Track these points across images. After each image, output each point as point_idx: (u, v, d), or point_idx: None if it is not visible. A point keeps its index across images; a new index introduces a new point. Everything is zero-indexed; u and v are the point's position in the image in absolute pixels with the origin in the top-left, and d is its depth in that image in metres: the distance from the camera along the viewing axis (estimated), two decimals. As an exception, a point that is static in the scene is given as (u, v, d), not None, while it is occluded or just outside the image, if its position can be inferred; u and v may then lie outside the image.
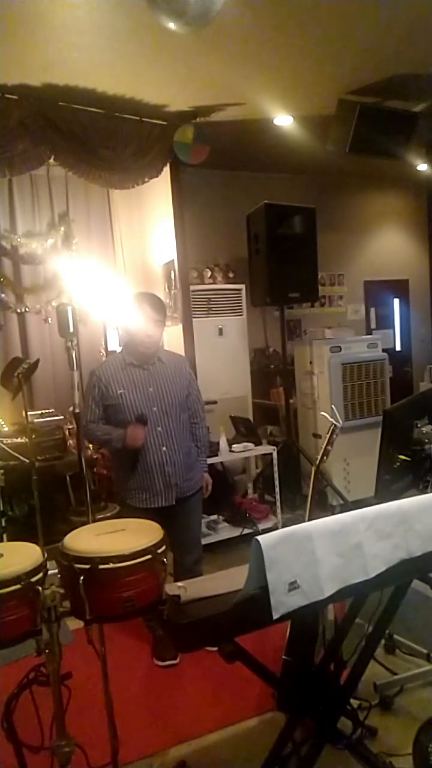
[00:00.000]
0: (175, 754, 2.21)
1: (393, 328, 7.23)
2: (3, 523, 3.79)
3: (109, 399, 2.74)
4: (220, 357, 5.05)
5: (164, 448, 2.75)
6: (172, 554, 2.87)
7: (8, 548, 1.65)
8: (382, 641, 2.66)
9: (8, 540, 3.65)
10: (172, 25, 2.48)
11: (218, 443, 4.20)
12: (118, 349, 4.99)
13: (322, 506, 4.48)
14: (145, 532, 1.68)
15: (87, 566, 1.52)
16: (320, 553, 1.42)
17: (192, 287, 4.86)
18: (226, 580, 1.57)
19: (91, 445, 4.62)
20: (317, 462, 2.39)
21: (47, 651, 1.54)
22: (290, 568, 1.38)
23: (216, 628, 1.44)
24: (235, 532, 4.21)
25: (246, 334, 5.26)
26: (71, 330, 2.51)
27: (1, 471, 3.80)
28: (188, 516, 2.91)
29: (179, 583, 1.59)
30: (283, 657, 2.26)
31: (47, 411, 4.45)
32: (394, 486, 2.16)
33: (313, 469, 2.42)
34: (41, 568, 1.53)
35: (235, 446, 4.31)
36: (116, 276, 5.15)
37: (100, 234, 5.24)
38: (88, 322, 4.92)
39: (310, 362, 4.93)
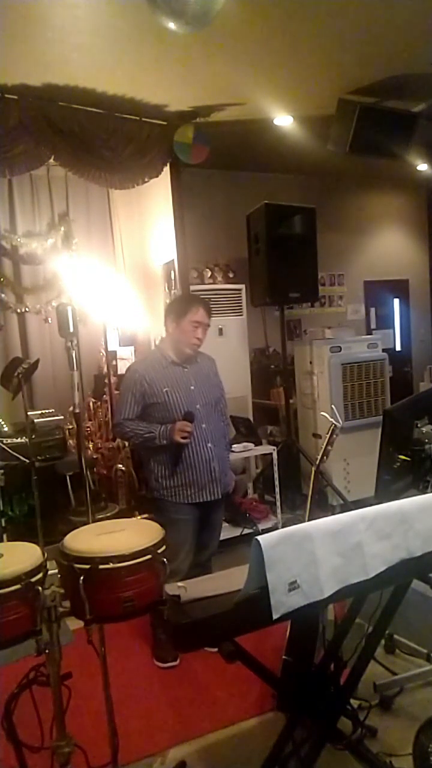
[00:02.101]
0: (175, 754, 2.21)
1: (393, 328, 7.23)
2: (3, 523, 3.79)
3: (153, 397, 2.72)
4: (220, 357, 4.99)
5: (210, 445, 2.77)
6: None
7: (8, 548, 1.66)
8: (382, 641, 2.66)
9: (8, 540, 3.66)
10: (172, 25, 2.48)
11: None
12: (119, 349, 5.01)
13: (322, 506, 4.48)
14: (146, 532, 1.68)
15: (87, 566, 1.52)
16: (320, 553, 1.42)
17: (192, 287, 4.85)
18: (226, 580, 1.57)
19: (90, 445, 4.63)
20: (317, 462, 2.40)
21: (47, 651, 1.54)
22: (290, 568, 1.38)
23: (216, 628, 1.44)
24: (235, 532, 4.21)
25: (246, 334, 5.25)
26: (71, 330, 2.50)
27: (1, 471, 3.80)
28: (218, 513, 2.94)
29: (179, 583, 1.59)
30: (283, 657, 2.27)
31: (47, 411, 4.45)
32: (394, 486, 2.16)
33: (313, 469, 2.42)
34: (41, 568, 1.53)
35: (235, 446, 4.29)
36: (116, 276, 5.15)
37: (100, 234, 5.24)
38: (88, 322, 4.92)
39: (310, 362, 4.93)
